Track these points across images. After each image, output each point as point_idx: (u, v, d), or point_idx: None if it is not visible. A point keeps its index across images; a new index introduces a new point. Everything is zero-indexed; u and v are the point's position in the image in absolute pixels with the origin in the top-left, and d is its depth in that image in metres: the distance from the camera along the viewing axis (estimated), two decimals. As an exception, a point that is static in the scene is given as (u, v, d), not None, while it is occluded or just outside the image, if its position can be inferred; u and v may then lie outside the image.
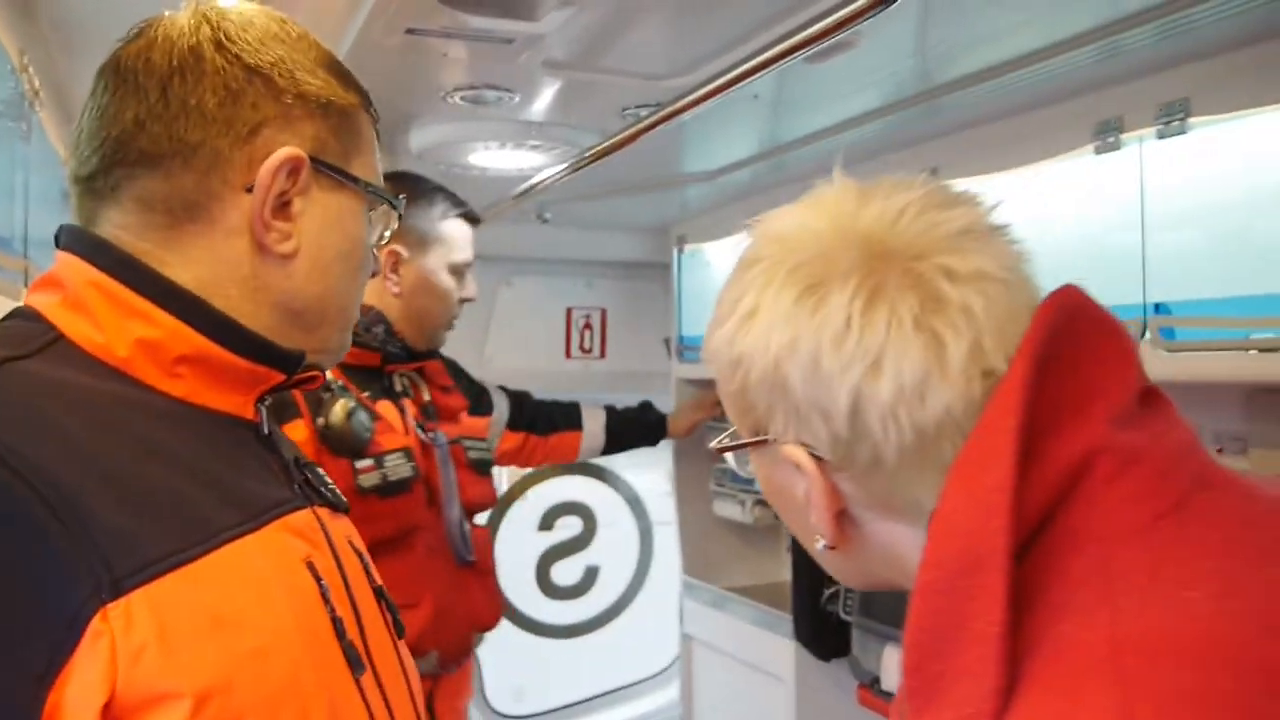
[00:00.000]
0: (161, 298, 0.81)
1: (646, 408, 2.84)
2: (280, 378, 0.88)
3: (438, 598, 1.90)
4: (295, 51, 0.87)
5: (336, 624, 0.83)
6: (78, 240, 0.84)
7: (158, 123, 0.82)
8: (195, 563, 0.72)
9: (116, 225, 0.84)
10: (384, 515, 1.83)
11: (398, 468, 1.87)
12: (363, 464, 1.83)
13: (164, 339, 0.81)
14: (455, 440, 2.07)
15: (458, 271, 2.08)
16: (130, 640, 0.67)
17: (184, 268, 0.83)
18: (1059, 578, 0.61)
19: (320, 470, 0.96)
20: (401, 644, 0.97)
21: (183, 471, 0.77)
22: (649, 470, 3.94)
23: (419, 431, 1.98)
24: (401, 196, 0.98)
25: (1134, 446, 0.63)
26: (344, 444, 1.80)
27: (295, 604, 0.80)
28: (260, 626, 0.75)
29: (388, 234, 1.00)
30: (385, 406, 1.95)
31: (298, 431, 1.76)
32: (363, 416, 1.83)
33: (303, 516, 0.87)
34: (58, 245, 0.86)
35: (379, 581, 0.96)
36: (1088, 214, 1.63)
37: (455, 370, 2.39)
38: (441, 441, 2.01)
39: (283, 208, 0.85)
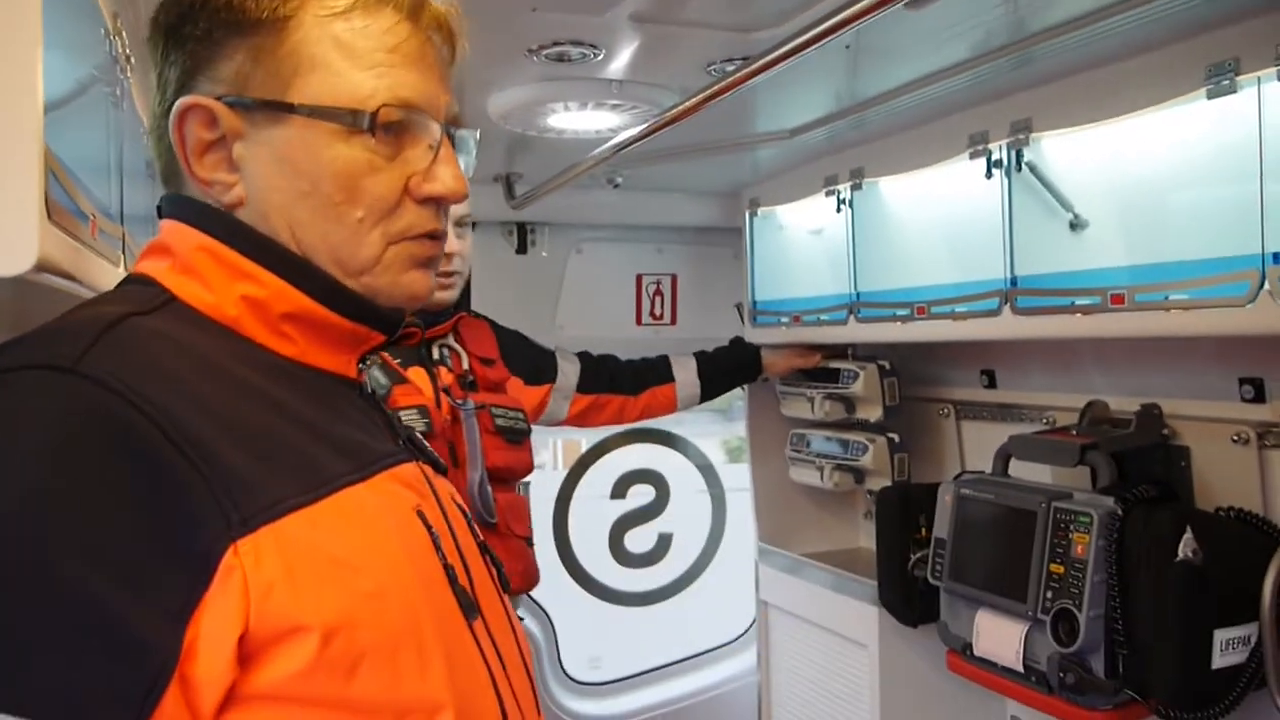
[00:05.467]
0: (266, 259, 0.82)
1: (739, 345, 2.85)
2: (381, 339, 0.89)
3: None
4: None
5: (448, 571, 0.84)
6: (182, 208, 0.85)
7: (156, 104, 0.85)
8: (313, 506, 0.73)
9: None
10: None
11: (411, 422, 1.89)
12: None
13: (268, 298, 0.82)
14: (482, 406, 2.09)
15: None
16: (261, 575, 0.67)
17: None
18: None
19: (418, 434, 0.97)
20: (506, 598, 0.97)
21: (295, 422, 0.78)
22: (716, 439, 3.92)
23: (446, 395, 2.03)
24: (368, 112, 0.80)
25: None
26: None
27: (409, 549, 0.81)
28: (377, 569, 0.75)
29: (426, 154, 0.84)
30: (416, 372, 2.01)
31: None
32: (376, 372, 1.87)
33: (410, 469, 0.88)
34: (160, 215, 0.87)
35: (482, 538, 0.97)
36: (1199, 162, 1.56)
37: (515, 341, 2.40)
38: (469, 406, 2.04)
39: (226, 159, 0.82)
